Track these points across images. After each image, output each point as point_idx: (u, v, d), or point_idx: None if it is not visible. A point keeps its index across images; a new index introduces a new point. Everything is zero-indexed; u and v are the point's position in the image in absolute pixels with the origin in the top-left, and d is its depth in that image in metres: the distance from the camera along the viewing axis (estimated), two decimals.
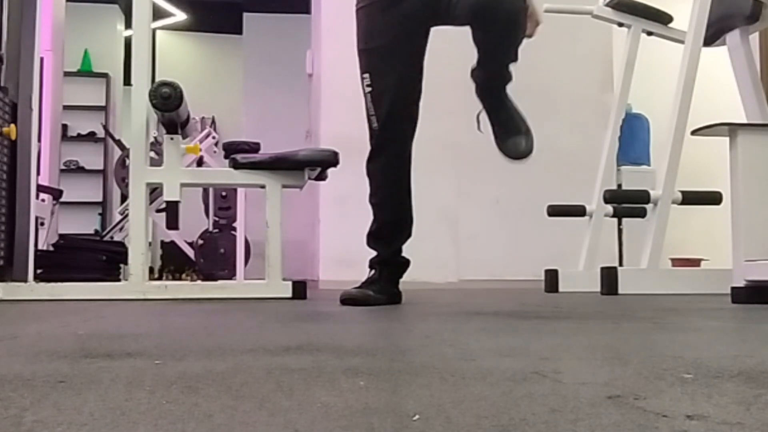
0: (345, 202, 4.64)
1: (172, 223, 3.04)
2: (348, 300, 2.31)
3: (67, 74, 5.63)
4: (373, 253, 2.48)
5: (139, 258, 2.85)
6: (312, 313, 2.03)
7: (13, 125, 2.82)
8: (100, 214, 8.32)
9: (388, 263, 2.46)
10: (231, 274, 5.56)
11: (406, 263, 2.52)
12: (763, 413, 0.58)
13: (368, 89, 2.37)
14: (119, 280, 3.71)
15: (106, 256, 3.81)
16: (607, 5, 4.19)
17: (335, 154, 2.98)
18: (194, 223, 6.21)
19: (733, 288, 2.47)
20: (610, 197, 3.85)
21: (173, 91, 2.75)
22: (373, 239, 2.47)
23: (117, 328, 1.53)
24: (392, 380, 0.75)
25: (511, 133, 2.36)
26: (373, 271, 2.44)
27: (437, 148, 5.22)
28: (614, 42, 5.18)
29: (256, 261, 5.12)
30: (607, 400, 0.63)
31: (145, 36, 2.96)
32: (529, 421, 0.55)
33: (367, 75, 2.38)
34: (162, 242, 7.54)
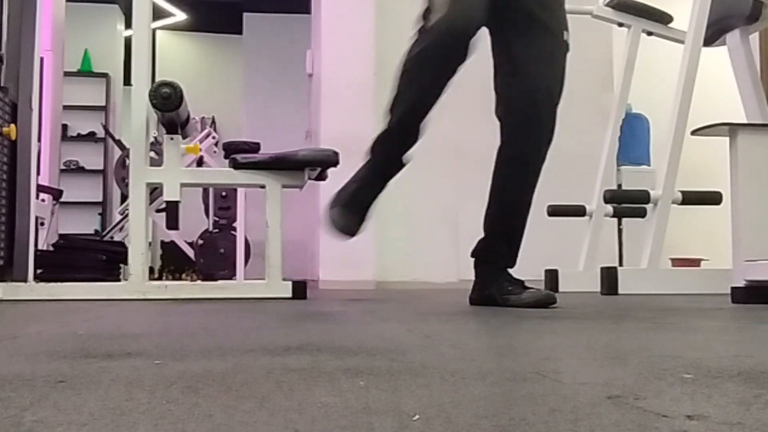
0: None
1: (172, 223, 3.05)
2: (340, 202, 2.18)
3: (67, 74, 5.64)
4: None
5: (139, 258, 2.85)
6: (312, 313, 2.03)
7: (13, 125, 2.82)
8: (100, 214, 8.32)
9: (384, 154, 2.26)
10: (231, 274, 5.56)
11: (402, 165, 2.29)
12: (763, 413, 0.58)
13: None
14: (119, 280, 3.71)
15: (106, 256, 3.81)
16: (607, 5, 4.19)
17: (335, 154, 2.98)
18: (194, 223, 6.22)
19: (733, 288, 2.47)
20: (610, 197, 3.85)
21: (173, 91, 2.75)
22: (381, 142, 2.25)
23: (117, 328, 1.53)
24: (392, 380, 0.75)
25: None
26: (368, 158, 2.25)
27: (437, 148, 5.22)
28: (614, 42, 5.18)
29: (256, 261, 5.12)
30: (607, 400, 0.63)
31: (145, 36, 2.96)
32: (529, 421, 0.55)
33: None
34: (162, 242, 7.54)
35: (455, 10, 2.04)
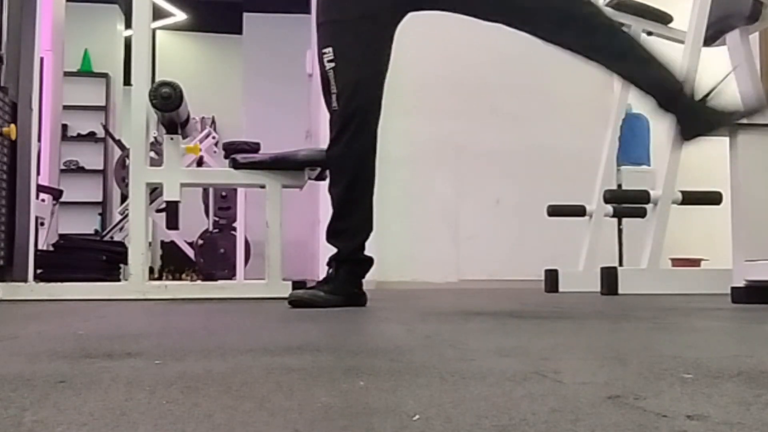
0: None
1: (172, 223, 3.05)
2: (295, 302, 2.13)
3: (67, 74, 5.64)
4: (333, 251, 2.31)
5: (139, 258, 2.85)
6: (312, 313, 2.03)
7: (13, 125, 2.82)
8: (100, 214, 8.32)
9: (348, 261, 2.25)
10: (231, 274, 5.56)
11: (369, 261, 2.29)
12: (763, 413, 0.58)
13: (330, 65, 2.14)
14: (119, 280, 3.71)
15: (106, 256, 3.81)
16: (607, 5, 4.19)
17: None
18: (194, 223, 6.22)
19: (733, 288, 2.47)
20: (610, 197, 3.85)
21: (173, 91, 2.75)
22: (333, 234, 2.27)
23: (117, 328, 1.53)
24: (392, 380, 0.75)
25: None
26: (330, 270, 2.26)
27: (437, 148, 5.22)
28: None
29: (256, 261, 5.12)
30: (607, 400, 0.63)
31: (145, 36, 2.96)
32: (529, 421, 0.55)
33: (329, 49, 2.14)
34: (162, 242, 7.54)
35: (349, 104, 2.15)
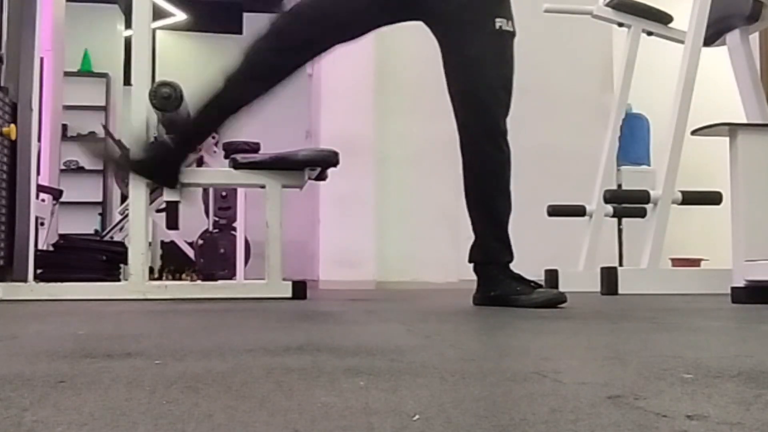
0: (345, 202, 4.63)
1: (172, 223, 3.05)
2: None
3: (67, 74, 5.63)
4: None
5: (139, 258, 2.85)
6: (312, 313, 2.03)
7: (13, 125, 2.82)
8: (100, 214, 8.32)
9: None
10: (231, 274, 5.56)
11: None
12: (763, 413, 0.58)
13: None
14: (119, 280, 3.70)
15: (106, 256, 3.80)
16: (607, 5, 4.19)
17: (335, 154, 2.98)
18: (194, 223, 6.21)
19: (733, 288, 2.47)
20: (610, 197, 3.85)
21: (173, 91, 2.75)
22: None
23: (117, 328, 1.53)
24: (392, 380, 0.75)
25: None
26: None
27: (437, 148, 5.22)
28: (614, 42, 5.18)
29: (256, 261, 5.11)
30: (607, 400, 0.63)
31: (145, 36, 2.96)
32: (529, 421, 0.55)
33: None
34: (162, 242, 7.53)
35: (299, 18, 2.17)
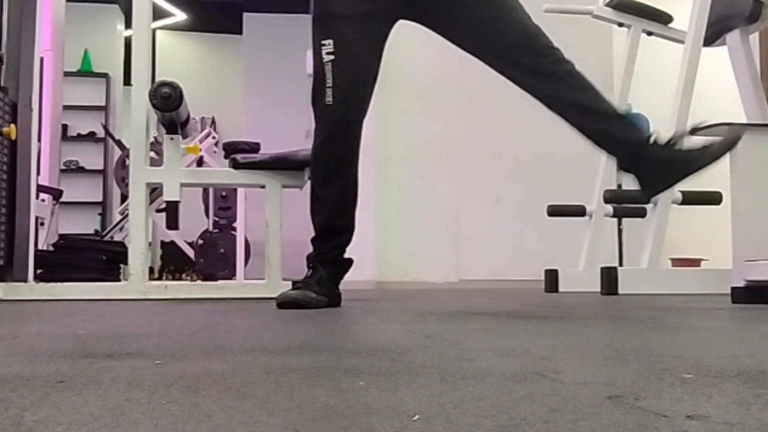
0: None
1: (172, 223, 3.05)
2: (287, 303, 2.06)
3: (67, 74, 5.63)
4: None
5: (139, 258, 2.85)
6: (312, 313, 2.03)
7: (13, 125, 2.82)
8: (100, 214, 8.32)
9: (333, 262, 2.23)
10: (231, 274, 5.56)
11: (350, 262, 2.27)
12: (763, 413, 0.58)
13: (329, 57, 2.08)
14: (119, 280, 3.71)
15: (106, 256, 3.81)
16: (607, 5, 4.20)
17: None
18: (194, 223, 6.22)
19: (733, 288, 2.47)
20: (610, 197, 3.85)
21: (173, 91, 2.75)
22: (327, 233, 2.24)
23: (117, 328, 1.53)
24: (392, 380, 0.75)
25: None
26: (312, 270, 2.20)
27: (437, 148, 5.22)
28: (614, 42, 5.19)
29: (256, 261, 5.12)
30: (607, 400, 0.63)
31: (145, 36, 2.96)
32: (529, 421, 0.55)
33: (329, 42, 2.08)
34: (162, 242, 7.54)
35: (346, 100, 2.10)
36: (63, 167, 6.62)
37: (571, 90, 2.11)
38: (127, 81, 7.91)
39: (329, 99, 2.10)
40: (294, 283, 2.28)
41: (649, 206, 3.55)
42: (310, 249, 2.24)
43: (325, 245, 2.22)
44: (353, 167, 2.20)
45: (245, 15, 8.34)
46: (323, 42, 2.09)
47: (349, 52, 2.10)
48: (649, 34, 4.20)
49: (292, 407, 0.61)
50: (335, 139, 2.11)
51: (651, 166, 1.98)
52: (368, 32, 2.13)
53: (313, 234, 2.26)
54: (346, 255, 2.25)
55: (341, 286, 2.25)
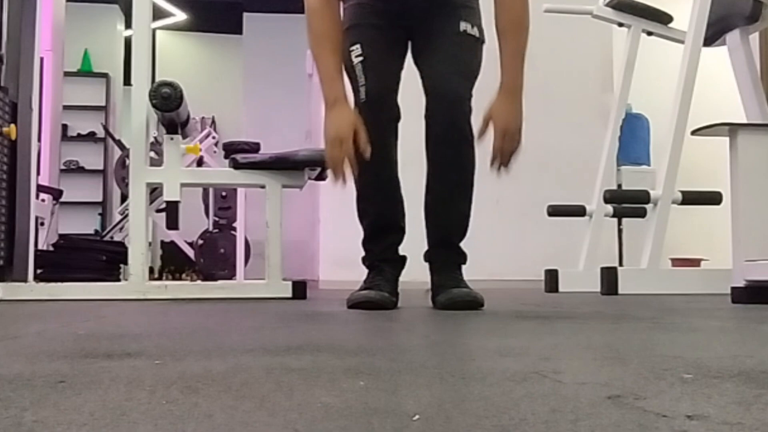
0: (345, 202, 4.63)
1: (172, 223, 3.05)
2: (363, 303, 2.07)
3: (67, 74, 5.64)
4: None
5: (139, 258, 2.85)
6: (312, 313, 2.03)
7: (13, 125, 2.82)
8: (100, 214, 8.32)
9: (390, 260, 2.27)
10: (231, 274, 5.56)
11: (404, 259, 2.32)
12: (763, 413, 0.58)
13: (359, 59, 2.17)
14: (119, 280, 3.71)
15: (106, 256, 3.81)
16: (607, 5, 4.20)
17: None
18: (194, 223, 6.22)
19: (733, 288, 2.47)
20: (610, 197, 3.85)
21: (173, 91, 2.75)
22: (378, 231, 2.29)
23: (117, 328, 1.53)
24: (392, 380, 0.75)
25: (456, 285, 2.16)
26: (374, 271, 2.24)
27: None
28: (614, 42, 5.18)
29: (256, 261, 5.11)
30: (607, 400, 0.63)
31: (145, 36, 2.96)
32: (529, 421, 0.55)
33: (357, 46, 2.18)
34: (162, 242, 7.54)
35: (379, 93, 2.19)
36: (63, 167, 6.63)
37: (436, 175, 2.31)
38: (127, 81, 7.91)
39: (363, 96, 2.17)
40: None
41: (649, 206, 3.54)
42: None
43: (379, 246, 2.27)
44: (392, 165, 2.28)
45: (245, 15, 8.34)
46: (351, 48, 2.19)
47: (375, 51, 2.20)
48: (649, 34, 4.20)
49: (292, 407, 0.61)
50: (372, 135, 2.10)
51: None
52: (387, 37, 2.24)
53: (361, 235, 2.30)
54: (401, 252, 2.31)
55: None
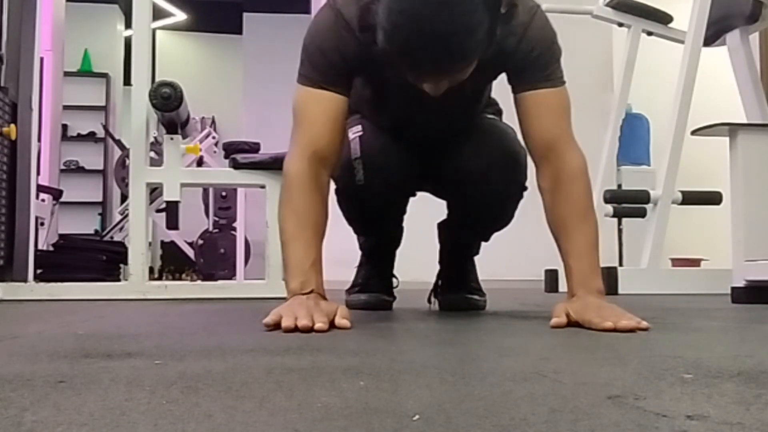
0: None
1: (172, 223, 3.05)
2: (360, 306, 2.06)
3: (67, 74, 5.63)
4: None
5: (139, 258, 2.85)
6: None
7: (13, 125, 2.82)
8: (100, 214, 8.32)
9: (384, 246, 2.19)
10: (231, 274, 5.56)
11: (400, 234, 2.20)
12: (763, 413, 0.58)
13: (358, 132, 1.83)
14: (119, 280, 3.71)
15: (106, 256, 3.81)
16: (607, 5, 4.19)
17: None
18: (194, 223, 6.22)
19: (733, 288, 2.47)
20: (610, 197, 3.85)
21: (173, 91, 2.75)
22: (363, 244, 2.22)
23: (117, 328, 1.53)
24: (392, 380, 0.75)
25: (462, 288, 2.13)
26: (369, 264, 2.20)
27: None
28: (614, 42, 5.18)
29: (256, 261, 5.12)
30: (607, 400, 0.63)
31: (145, 36, 2.96)
32: (529, 421, 0.55)
33: (356, 116, 1.85)
34: (162, 242, 7.54)
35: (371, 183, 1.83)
36: (63, 167, 6.62)
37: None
38: (127, 81, 7.91)
39: (359, 177, 1.89)
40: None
41: (649, 206, 3.54)
42: None
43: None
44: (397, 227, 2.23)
45: (245, 15, 8.34)
46: (352, 127, 1.93)
47: (378, 119, 1.99)
48: (649, 34, 4.20)
49: (292, 407, 0.61)
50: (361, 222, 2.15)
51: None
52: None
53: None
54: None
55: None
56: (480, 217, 2.00)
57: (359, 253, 2.33)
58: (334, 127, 1.59)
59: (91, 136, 8.38)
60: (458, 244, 2.17)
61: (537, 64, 1.63)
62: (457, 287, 2.13)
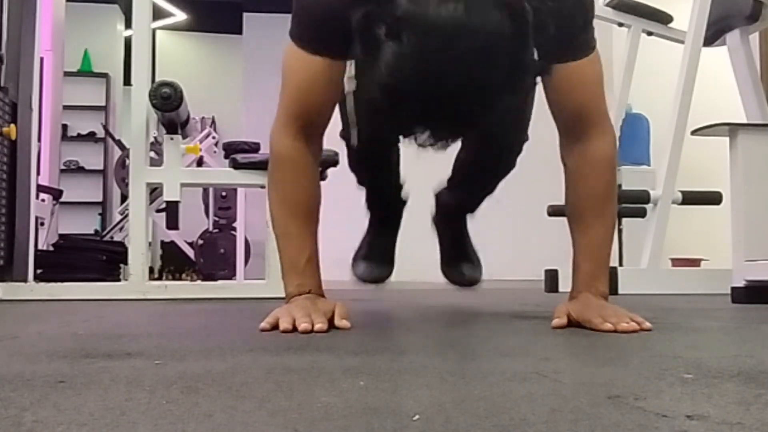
0: (345, 202, 4.63)
1: (172, 223, 3.05)
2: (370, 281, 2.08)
3: (67, 74, 5.63)
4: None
5: (139, 258, 2.85)
6: None
7: (13, 125, 2.82)
8: (100, 214, 8.31)
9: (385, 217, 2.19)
10: (231, 274, 5.56)
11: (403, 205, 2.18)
12: (763, 413, 0.58)
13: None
14: (119, 280, 3.70)
15: (106, 256, 3.81)
16: (607, 5, 4.19)
17: (335, 154, 2.97)
18: (194, 223, 6.21)
19: (733, 288, 2.47)
20: None
21: (173, 91, 2.75)
22: (370, 202, 2.21)
23: (117, 328, 1.53)
24: (392, 380, 0.75)
25: (459, 259, 2.14)
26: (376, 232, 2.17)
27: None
28: (614, 42, 5.18)
29: (256, 261, 5.11)
30: (607, 400, 0.63)
31: (145, 36, 2.96)
32: (529, 421, 0.55)
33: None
34: (162, 242, 7.53)
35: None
36: (63, 167, 6.62)
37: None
38: (127, 81, 7.90)
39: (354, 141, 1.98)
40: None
41: (649, 206, 3.54)
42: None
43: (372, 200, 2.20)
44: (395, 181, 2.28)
45: (245, 15, 8.34)
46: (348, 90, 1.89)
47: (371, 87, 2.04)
48: (649, 34, 4.20)
49: (292, 407, 0.61)
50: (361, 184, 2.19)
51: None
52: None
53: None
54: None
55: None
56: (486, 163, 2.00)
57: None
58: (326, 96, 1.45)
59: (91, 136, 8.38)
60: (456, 206, 2.21)
61: (572, 29, 1.44)
62: (456, 258, 2.17)
